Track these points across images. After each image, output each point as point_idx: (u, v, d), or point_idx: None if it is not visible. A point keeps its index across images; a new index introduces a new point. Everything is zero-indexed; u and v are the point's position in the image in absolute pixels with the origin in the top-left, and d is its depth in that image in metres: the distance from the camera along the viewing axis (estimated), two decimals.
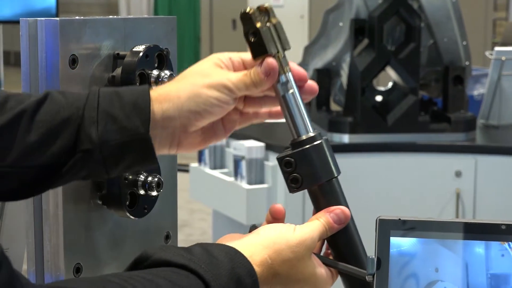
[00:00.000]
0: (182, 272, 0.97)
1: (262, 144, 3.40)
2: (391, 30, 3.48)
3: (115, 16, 1.24)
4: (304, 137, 1.10)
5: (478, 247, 1.04)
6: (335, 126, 3.46)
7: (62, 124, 1.05)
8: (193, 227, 6.01)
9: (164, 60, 1.23)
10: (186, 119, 1.07)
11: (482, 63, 7.04)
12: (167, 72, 1.21)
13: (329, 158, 1.11)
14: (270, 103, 1.15)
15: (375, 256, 1.04)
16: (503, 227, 1.03)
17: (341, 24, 3.63)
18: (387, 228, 1.05)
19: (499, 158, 3.38)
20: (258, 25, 1.08)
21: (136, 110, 1.05)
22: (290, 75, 1.11)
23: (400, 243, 1.05)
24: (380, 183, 3.42)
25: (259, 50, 1.09)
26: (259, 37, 1.08)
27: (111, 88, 1.09)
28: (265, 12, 1.10)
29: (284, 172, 1.11)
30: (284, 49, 1.11)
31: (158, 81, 1.20)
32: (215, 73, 1.09)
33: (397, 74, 3.45)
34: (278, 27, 1.10)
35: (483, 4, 9.00)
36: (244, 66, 1.12)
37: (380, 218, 1.05)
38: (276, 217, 1.13)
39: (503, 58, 3.61)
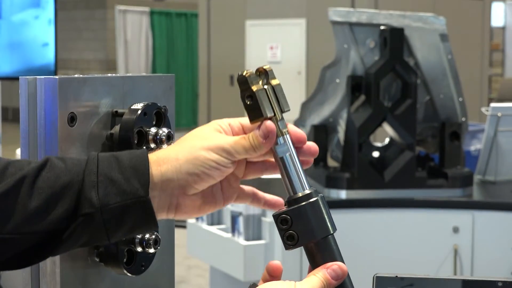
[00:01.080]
0: None
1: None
2: (388, 86, 3.51)
3: (114, 74, 1.25)
4: (300, 194, 1.10)
5: None
6: (333, 182, 3.46)
7: (62, 190, 1.06)
8: (190, 283, 5.97)
9: (162, 117, 1.24)
10: (185, 181, 1.07)
11: (478, 119, 7.07)
12: (165, 130, 1.21)
13: (325, 215, 1.11)
14: (271, 170, 1.15)
15: None
16: (500, 284, 1.03)
17: (338, 80, 3.65)
18: (384, 285, 1.04)
19: (496, 214, 3.38)
20: (254, 88, 1.08)
21: (135, 174, 1.06)
22: (287, 137, 1.11)
23: None
24: (377, 239, 3.41)
25: (255, 113, 1.08)
26: (255, 100, 1.08)
27: (109, 153, 1.10)
28: (264, 73, 1.10)
29: (280, 230, 1.10)
30: (282, 111, 1.11)
31: (156, 138, 1.21)
32: (214, 136, 1.09)
33: (394, 130, 3.47)
34: (276, 89, 1.10)
35: (479, 60, 9.07)
36: (244, 130, 1.12)
37: (377, 275, 1.05)
38: (273, 275, 1.12)
39: (499, 114, 3.63)
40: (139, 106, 1.21)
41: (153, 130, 1.21)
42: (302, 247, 1.11)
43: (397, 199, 3.42)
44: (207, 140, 1.08)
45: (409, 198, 3.43)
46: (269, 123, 1.08)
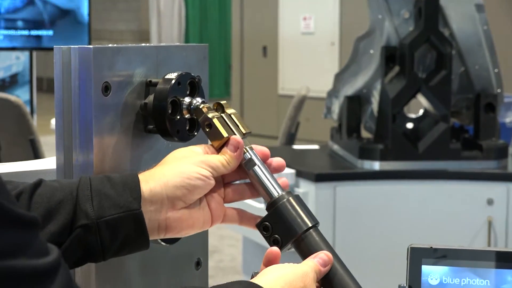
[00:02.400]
0: None
1: (292, 170, 3.40)
2: (422, 57, 3.48)
3: (147, 44, 1.25)
4: (274, 198, 1.17)
5: (510, 276, 1.03)
6: (366, 153, 3.45)
7: (58, 205, 1.09)
8: (223, 253, 6.00)
9: (196, 87, 1.24)
10: (172, 194, 1.14)
11: None
12: (199, 100, 1.22)
13: (300, 212, 1.15)
14: (250, 193, 1.23)
15: (406, 284, 1.04)
16: None
17: (372, 51, 3.63)
18: (419, 256, 1.04)
19: None
20: (210, 115, 1.19)
21: (127, 189, 1.11)
22: (252, 152, 1.20)
23: (431, 271, 1.04)
24: (410, 210, 3.40)
25: (216, 137, 1.19)
26: (214, 126, 1.19)
27: (100, 175, 1.15)
28: (219, 106, 1.22)
29: (265, 237, 1.16)
30: (243, 133, 1.21)
31: (190, 108, 1.21)
32: (195, 155, 1.18)
33: (428, 102, 3.45)
34: (234, 116, 1.21)
35: None
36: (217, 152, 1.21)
37: (412, 246, 1.05)
38: (273, 262, 1.15)
39: None
40: (173, 75, 1.21)
41: (187, 99, 1.22)
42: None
43: (431, 170, 3.41)
44: (190, 158, 1.17)
45: (443, 170, 3.41)
46: (234, 136, 1.19)
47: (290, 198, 1.16)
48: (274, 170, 1.22)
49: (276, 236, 1.14)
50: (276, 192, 1.17)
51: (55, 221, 1.08)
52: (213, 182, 1.17)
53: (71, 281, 0.86)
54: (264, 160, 1.21)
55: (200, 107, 1.20)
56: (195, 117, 1.22)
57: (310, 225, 1.14)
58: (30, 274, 0.81)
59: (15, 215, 0.81)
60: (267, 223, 1.15)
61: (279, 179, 1.21)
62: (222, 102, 1.22)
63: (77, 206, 1.09)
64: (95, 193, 1.10)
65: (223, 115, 1.20)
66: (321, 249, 1.13)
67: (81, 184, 1.11)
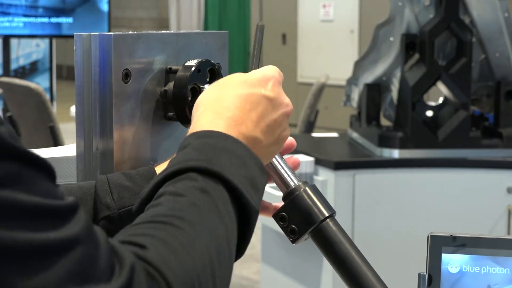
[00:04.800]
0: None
1: (311, 158, 3.40)
2: (442, 45, 3.47)
3: (168, 31, 1.25)
4: (290, 189, 1.16)
5: None
6: (385, 141, 3.45)
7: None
8: None
9: (216, 74, 1.24)
10: None
11: None
12: None
13: (317, 201, 1.15)
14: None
15: (426, 272, 1.04)
16: None
17: (391, 39, 3.62)
18: (439, 244, 1.04)
19: None
20: None
21: (144, 180, 1.12)
22: None
23: (451, 259, 1.04)
24: (430, 198, 3.39)
25: None
26: None
27: (116, 172, 1.15)
28: None
29: (282, 228, 1.16)
30: None
31: None
32: None
33: (448, 89, 3.43)
34: None
35: None
36: None
37: (432, 234, 1.05)
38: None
39: None
40: (193, 63, 1.21)
41: (206, 87, 1.21)
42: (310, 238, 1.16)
43: (450, 158, 3.40)
44: None
45: (462, 158, 3.40)
46: None
47: (307, 188, 1.16)
48: (284, 150, 1.21)
49: (293, 226, 1.14)
50: (292, 182, 1.17)
51: None
52: None
53: (92, 223, 0.80)
54: (289, 150, 1.21)
55: None
56: None
57: (326, 215, 1.14)
58: (35, 211, 0.74)
59: (16, 150, 0.74)
60: (283, 213, 1.15)
61: (289, 159, 1.21)
62: None
63: (97, 201, 1.10)
64: (113, 186, 1.11)
65: None
66: (339, 239, 1.13)
67: (99, 181, 1.12)
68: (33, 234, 0.72)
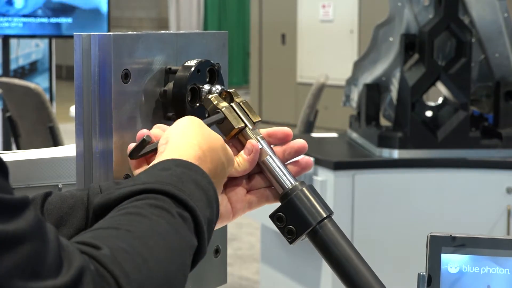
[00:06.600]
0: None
1: (311, 159, 3.39)
2: (442, 45, 3.47)
3: (167, 31, 1.25)
4: (287, 189, 1.16)
5: None
6: (385, 141, 3.45)
7: (70, 210, 1.10)
8: (241, 241, 6.02)
9: (216, 74, 1.24)
10: None
11: None
12: (218, 87, 1.22)
13: (315, 202, 1.14)
14: (272, 199, 1.22)
15: (425, 272, 1.04)
16: None
17: (391, 39, 3.62)
18: (438, 244, 1.04)
19: None
20: (220, 106, 1.17)
21: None
22: (263, 142, 1.18)
23: (451, 259, 1.04)
24: (429, 199, 3.39)
25: (227, 128, 1.18)
26: (224, 117, 1.17)
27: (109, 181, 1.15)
28: (228, 95, 1.20)
29: (279, 228, 1.16)
30: (253, 122, 1.19)
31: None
32: None
33: (448, 89, 3.43)
34: (243, 105, 1.19)
35: None
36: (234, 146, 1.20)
37: (431, 234, 1.05)
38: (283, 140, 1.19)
39: None
40: (192, 63, 1.22)
41: (206, 87, 1.22)
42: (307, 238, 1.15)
43: (450, 159, 3.40)
44: None
45: (462, 158, 3.40)
46: (250, 141, 1.16)
47: (304, 189, 1.15)
48: (296, 153, 1.21)
49: (291, 227, 1.14)
50: (289, 182, 1.16)
51: (70, 224, 1.08)
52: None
53: (42, 220, 0.81)
54: (285, 141, 1.21)
55: (209, 97, 1.19)
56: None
57: (324, 215, 1.14)
58: None
59: None
60: (281, 214, 1.15)
61: (302, 159, 1.21)
62: (230, 90, 1.21)
63: (89, 209, 1.10)
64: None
65: (232, 104, 1.19)
66: (336, 240, 1.12)
67: (91, 190, 1.12)
68: None
